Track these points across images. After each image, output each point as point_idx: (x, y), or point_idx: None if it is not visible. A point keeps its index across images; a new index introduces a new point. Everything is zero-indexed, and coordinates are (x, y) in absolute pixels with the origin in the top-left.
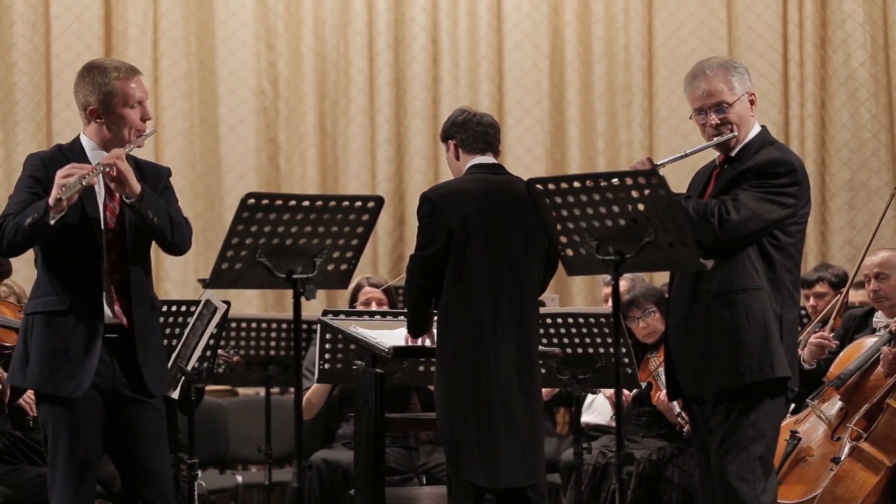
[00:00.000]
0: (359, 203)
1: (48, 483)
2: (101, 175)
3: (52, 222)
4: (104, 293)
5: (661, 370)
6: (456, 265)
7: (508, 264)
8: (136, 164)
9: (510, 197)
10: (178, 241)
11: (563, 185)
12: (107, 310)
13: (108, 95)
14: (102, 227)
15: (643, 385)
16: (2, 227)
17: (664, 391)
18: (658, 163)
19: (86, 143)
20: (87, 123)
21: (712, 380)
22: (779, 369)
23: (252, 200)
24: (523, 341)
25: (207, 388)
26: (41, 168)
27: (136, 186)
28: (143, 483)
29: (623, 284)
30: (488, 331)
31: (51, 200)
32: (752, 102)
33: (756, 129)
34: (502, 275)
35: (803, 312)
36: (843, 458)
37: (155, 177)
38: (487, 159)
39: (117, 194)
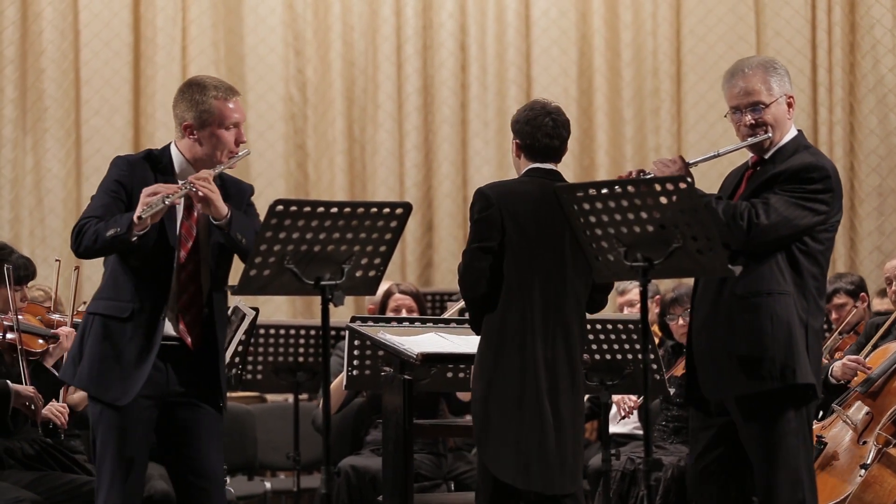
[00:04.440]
0: (387, 209)
1: (95, 484)
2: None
3: (133, 239)
4: (168, 310)
5: None
6: (503, 264)
7: (558, 268)
8: (221, 179)
9: None
10: None
11: (591, 192)
12: (168, 326)
13: (205, 113)
14: (177, 245)
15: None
16: (82, 230)
17: None
18: (691, 161)
19: (175, 155)
20: (180, 138)
21: (734, 383)
22: (801, 376)
23: (280, 207)
24: (567, 347)
25: (237, 394)
26: (127, 173)
27: (223, 208)
28: (197, 486)
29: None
30: (532, 334)
31: (135, 218)
32: (789, 105)
33: (792, 133)
34: (550, 278)
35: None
36: (871, 463)
37: (238, 194)
38: (547, 166)
39: (194, 214)
